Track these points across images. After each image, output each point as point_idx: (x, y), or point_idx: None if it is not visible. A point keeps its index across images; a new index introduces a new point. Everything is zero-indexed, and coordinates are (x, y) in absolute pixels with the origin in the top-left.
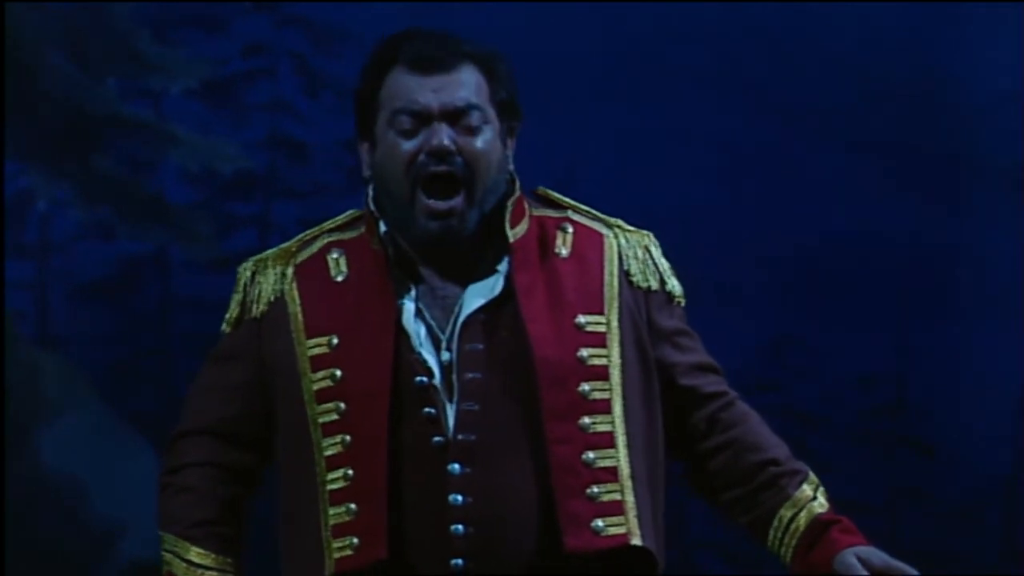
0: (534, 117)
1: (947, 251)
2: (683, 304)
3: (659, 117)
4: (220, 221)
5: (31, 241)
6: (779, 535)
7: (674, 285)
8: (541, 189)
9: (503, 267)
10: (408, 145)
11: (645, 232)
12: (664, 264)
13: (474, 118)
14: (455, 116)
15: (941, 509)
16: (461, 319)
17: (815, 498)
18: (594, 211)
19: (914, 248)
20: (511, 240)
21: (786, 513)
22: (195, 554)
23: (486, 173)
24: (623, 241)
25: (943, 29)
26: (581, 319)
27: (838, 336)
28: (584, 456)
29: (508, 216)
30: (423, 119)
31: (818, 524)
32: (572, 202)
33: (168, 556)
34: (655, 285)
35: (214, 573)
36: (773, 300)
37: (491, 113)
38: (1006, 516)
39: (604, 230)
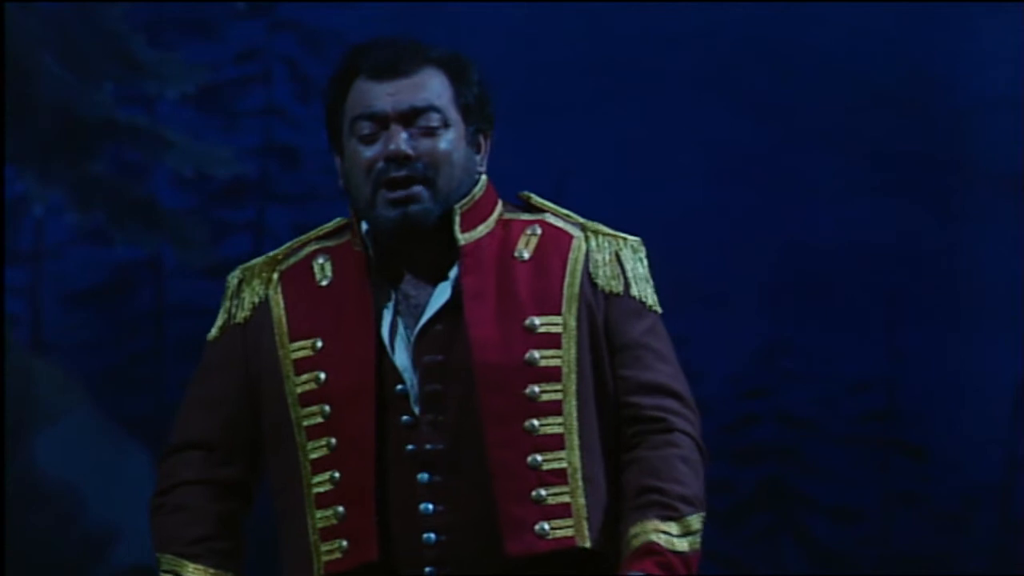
0: (527, 121)
1: (941, 256)
2: (658, 312)
3: (651, 122)
4: (214, 227)
5: (25, 246)
6: (622, 551)
7: (641, 292)
8: (524, 193)
9: (455, 273)
10: (368, 152)
11: (625, 237)
12: (638, 271)
13: (433, 119)
14: (412, 117)
15: (934, 513)
16: (416, 330)
17: (671, 535)
18: (574, 215)
19: (908, 253)
20: (461, 244)
21: (633, 531)
22: (192, 570)
23: (448, 173)
24: (593, 243)
25: (939, 33)
26: (535, 320)
27: (831, 341)
28: (530, 459)
29: (458, 220)
30: (381, 123)
31: (640, 550)
32: (553, 206)
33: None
34: (619, 290)
35: None
36: (766, 305)
37: (454, 116)
38: (999, 520)
39: (576, 232)
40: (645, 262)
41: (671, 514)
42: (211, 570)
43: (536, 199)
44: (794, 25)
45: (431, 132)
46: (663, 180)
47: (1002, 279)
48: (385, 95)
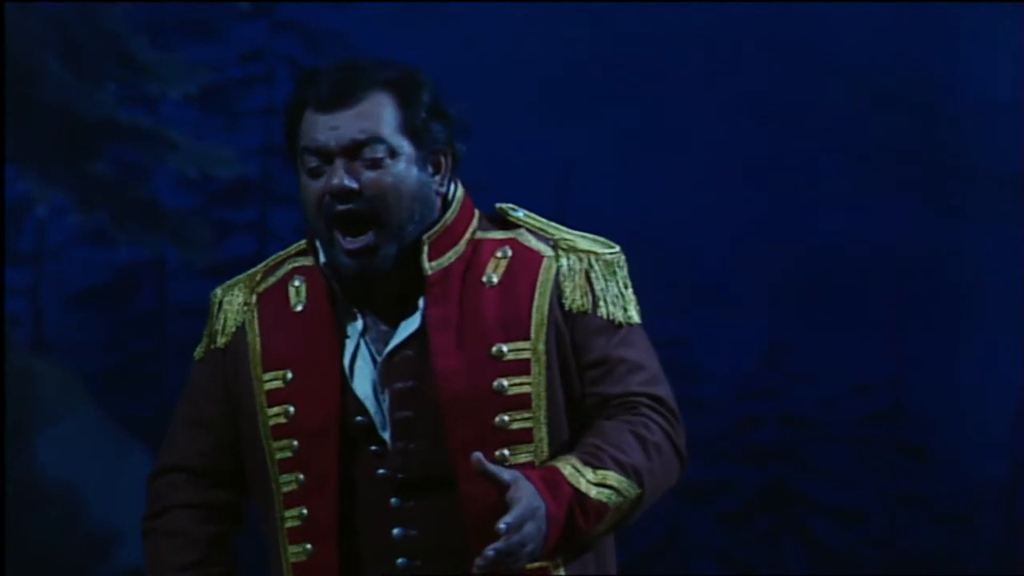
0: (532, 121)
1: (945, 257)
2: (633, 324)
3: (656, 122)
4: (217, 227)
5: (27, 247)
6: None
7: (610, 311)
8: (499, 207)
9: (424, 302)
10: (316, 185)
11: (598, 252)
12: (609, 289)
13: (378, 150)
14: (355, 151)
15: (938, 515)
16: (381, 358)
17: (580, 474)
18: (552, 227)
19: (912, 254)
20: (428, 273)
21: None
22: None
23: (396, 206)
24: (564, 262)
25: (945, 34)
26: (503, 347)
27: (835, 342)
28: None
29: (426, 249)
30: (324, 158)
31: (545, 466)
32: (529, 220)
33: None
34: (586, 308)
35: None
36: (769, 306)
37: (402, 142)
38: (1003, 522)
39: (547, 251)
40: (621, 275)
41: (592, 461)
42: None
43: (511, 214)
44: (799, 26)
45: (376, 164)
46: (667, 181)
47: (1007, 281)
48: (328, 129)
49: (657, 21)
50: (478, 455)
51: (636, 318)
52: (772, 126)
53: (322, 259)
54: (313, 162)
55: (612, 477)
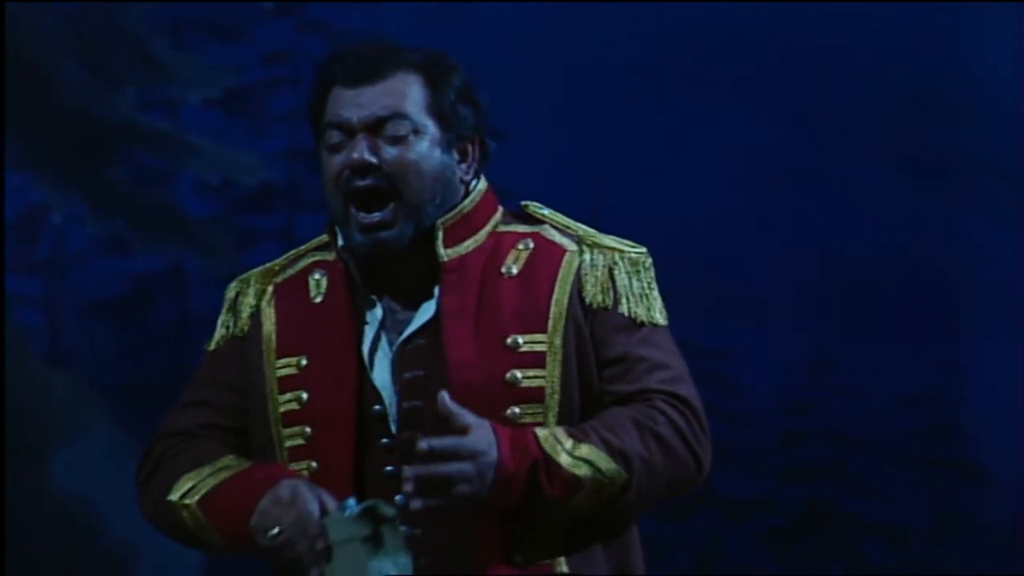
0: (564, 124)
1: (991, 264)
2: (657, 324)
3: (691, 127)
4: (239, 235)
5: (42, 256)
6: None
7: (632, 308)
8: (524, 204)
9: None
10: (336, 160)
11: (623, 249)
12: (632, 286)
13: (401, 127)
14: (377, 126)
15: (987, 533)
16: (395, 346)
17: (559, 442)
18: (576, 225)
19: (958, 262)
20: (444, 260)
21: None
22: (217, 466)
23: (417, 183)
24: (587, 257)
25: (984, 36)
26: (518, 339)
27: (880, 353)
28: None
29: (441, 235)
30: (347, 132)
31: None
32: (554, 217)
33: (181, 514)
34: (607, 304)
35: (231, 471)
36: (811, 316)
37: (427, 122)
38: None
39: (571, 245)
40: (646, 275)
41: (576, 434)
42: (231, 456)
43: (534, 210)
44: (834, 28)
45: (399, 140)
46: (706, 188)
47: None
48: (353, 104)
49: (690, 24)
50: (443, 393)
51: (660, 320)
52: (813, 129)
53: (340, 242)
54: (335, 137)
55: (592, 452)
